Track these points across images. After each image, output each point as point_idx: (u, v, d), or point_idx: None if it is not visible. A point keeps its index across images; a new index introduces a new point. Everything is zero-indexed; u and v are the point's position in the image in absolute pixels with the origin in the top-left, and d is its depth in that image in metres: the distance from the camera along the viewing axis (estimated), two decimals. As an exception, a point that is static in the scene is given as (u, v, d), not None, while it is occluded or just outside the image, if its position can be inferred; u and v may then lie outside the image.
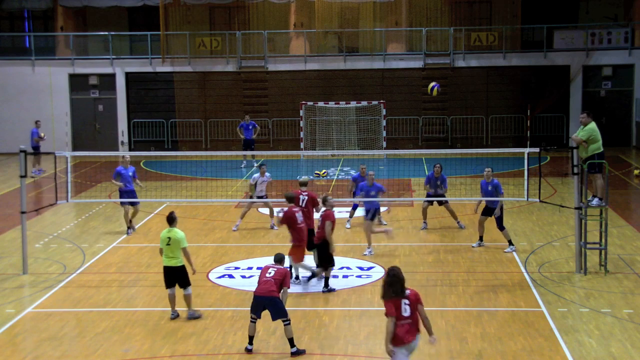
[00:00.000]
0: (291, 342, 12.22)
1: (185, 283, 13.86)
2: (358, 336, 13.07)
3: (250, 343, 12.41)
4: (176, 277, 13.85)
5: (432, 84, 21.27)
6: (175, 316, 13.93)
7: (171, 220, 14.00)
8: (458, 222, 20.71)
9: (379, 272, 16.64)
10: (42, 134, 31.61)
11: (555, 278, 16.15)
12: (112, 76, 37.85)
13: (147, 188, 26.72)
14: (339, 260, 16.99)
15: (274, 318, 12.37)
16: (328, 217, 15.53)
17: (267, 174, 20.93)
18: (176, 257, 13.83)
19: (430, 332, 10.34)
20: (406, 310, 10.13)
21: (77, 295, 15.48)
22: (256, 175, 20.88)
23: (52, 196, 18.76)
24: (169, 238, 13.81)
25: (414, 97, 37.13)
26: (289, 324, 12.24)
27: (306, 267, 15.89)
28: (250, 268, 17.20)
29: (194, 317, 13.89)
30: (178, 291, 13.96)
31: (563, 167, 29.99)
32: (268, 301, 12.25)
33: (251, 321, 12.42)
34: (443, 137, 37.04)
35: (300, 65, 37.44)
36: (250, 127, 31.80)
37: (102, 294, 15.49)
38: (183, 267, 13.87)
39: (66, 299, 15.25)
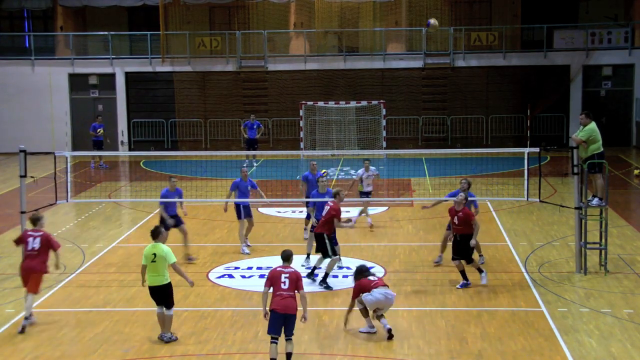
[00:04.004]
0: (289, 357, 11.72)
1: (169, 304, 12.77)
2: (358, 336, 13.06)
3: None
4: (162, 296, 12.74)
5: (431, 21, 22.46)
6: (167, 338, 12.80)
7: (156, 234, 12.85)
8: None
9: (378, 272, 16.61)
10: (99, 130, 31.91)
11: (555, 278, 16.15)
12: (112, 76, 37.86)
13: (147, 188, 26.75)
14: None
15: (286, 334, 11.70)
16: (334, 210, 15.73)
17: (372, 167, 20.62)
18: (162, 275, 12.66)
19: None
20: None
21: (77, 295, 15.48)
22: (360, 171, 20.74)
23: (52, 196, 18.71)
24: (154, 255, 12.63)
25: (414, 97, 37.14)
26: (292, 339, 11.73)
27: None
28: (250, 268, 17.20)
29: (171, 339, 12.78)
30: None
31: (563, 167, 29.98)
32: (289, 318, 11.61)
33: (272, 342, 11.54)
34: (443, 137, 37.04)
35: (300, 65, 37.43)
36: (255, 126, 31.82)
37: (102, 294, 15.49)
38: (168, 285, 12.76)
39: (66, 299, 15.26)
